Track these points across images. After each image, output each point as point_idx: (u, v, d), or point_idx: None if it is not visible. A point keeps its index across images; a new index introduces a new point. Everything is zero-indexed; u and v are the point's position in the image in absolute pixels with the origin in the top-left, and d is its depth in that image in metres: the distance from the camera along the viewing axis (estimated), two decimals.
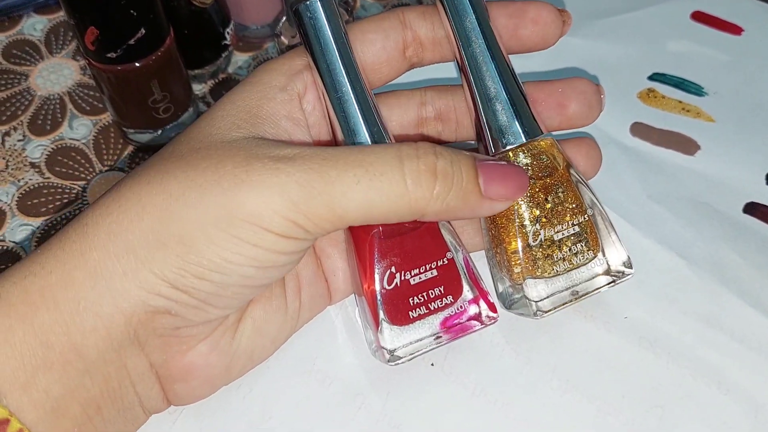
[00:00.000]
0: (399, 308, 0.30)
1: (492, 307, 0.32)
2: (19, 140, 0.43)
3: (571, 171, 0.32)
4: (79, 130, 0.44)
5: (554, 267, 0.32)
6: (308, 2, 0.30)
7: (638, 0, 0.48)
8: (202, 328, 0.28)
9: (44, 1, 0.49)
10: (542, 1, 0.32)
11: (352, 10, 0.48)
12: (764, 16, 0.47)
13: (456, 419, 0.32)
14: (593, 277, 0.32)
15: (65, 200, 0.41)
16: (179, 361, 0.28)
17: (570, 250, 0.32)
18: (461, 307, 0.32)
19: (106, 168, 0.42)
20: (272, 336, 0.31)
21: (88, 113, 0.45)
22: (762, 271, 0.36)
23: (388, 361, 0.31)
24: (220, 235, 0.26)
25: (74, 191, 0.41)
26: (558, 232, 0.31)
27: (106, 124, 0.44)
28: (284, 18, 0.45)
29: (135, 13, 0.36)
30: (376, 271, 0.30)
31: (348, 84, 0.30)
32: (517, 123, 0.31)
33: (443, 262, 0.31)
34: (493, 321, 0.32)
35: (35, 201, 0.41)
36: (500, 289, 0.33)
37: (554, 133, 0.33)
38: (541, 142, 0.32)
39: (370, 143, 0.30)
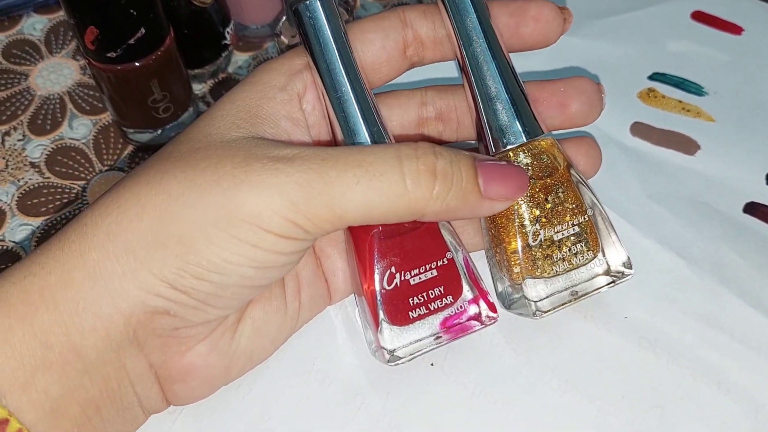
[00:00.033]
0: (399, 308, 0.30)
1: (492, 307, 0.32)
2: (19, 140, 0.43)
3: (572, 171, 0.32)
4: (79, 129, 0.44)
5: (554, 267, 0.32)
6: (308, 2, 0.30)
7: (638, 0, 0.48)
8: (201, 328, 0.28)
9: (44, 0, 0.49)
10: None
11: (352, 9, 0.48)
12: (764, 16, 0.47)
13: (456, 419, 0.32)
14: (593, 278, 0.32)
15: (65, 200, 0.41)
16: (178, 361, 0.28)
17: (570, 250, 0.32)
18: (461, 307, 0.31)
19: (106, 168, 0.42)
20: (272, 336, 0.31)
21: (88, 113, 0.45)
22: (762, 271, 0.36)
23: (388, 362, 0.31)
24: (220, 235, 0.26)
25: (74, 191, 0.41)
26: (558, 232, 0.31)
27: (106, 123, 0.44)
28: (284, 18, 0.45)
29: (135, 13, 0.36)
30: (376, 271, 0.30)
31: (347, 84, 0.30)
32: (517, 123, 0.31)
33: (443, 262, 0.31)
34: (493, 321, 0.32)
35: (35, 201, 0.41)
36: (500, 288, 0.33)
37: (554, 132, 0.33)
38: (542, 142, 0.32)
39: (369, 143, 0.30)
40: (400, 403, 0.32)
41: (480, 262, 0.33)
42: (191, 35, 0.43)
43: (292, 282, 0.31)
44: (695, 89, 0.43)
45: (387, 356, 0.31)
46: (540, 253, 0.31)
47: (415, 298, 0.31)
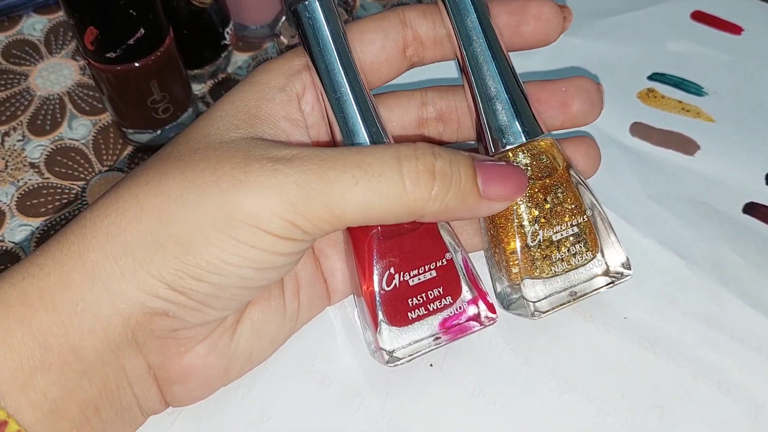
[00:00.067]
0: (398, 309, 0.30)
1: (491, 308, 0.32)
2: (18, 140, 0.43)
3: (571, 172, 0.32)
4: (78, 130, 0.44)
5: (552, 267, 0.32)
6: (306, 2, 0.30)
7: (638, 0, 0.48)
8: (200, 329, 0.28)
9: (44, 1, 0.49)
10: None
11: (352, 9, 0.48)
12: (764, 16, 0.46)
13: (455, 420, 0.32)
14: (592, 278, 0.32)
15: (65, 200, 0.41)
16: (177, 362, 0.28)
17: (569, 250, 0.32)
18: (460, 307, 0.31)
19: (106, 168, 0.42)
20: (271, 337, 0.31)
21: (87, 113, 0.45)
22: (762, 271, 0.36)
23: (387, 362, 0.31)
24: (219, 236, 0.26)
25: (74, 191, 0.41)
26: (557, 232, 0.31)
27: (106, 124, 0.44)
28: (284, 18, 0.45)
29: (134, 13, 0.36)
30: (375, 271, 0.30)
31: (347, 84, 0.30)
32: (517, 123, 0.31)
33: (442, 262, 0.31)
34: (492, 322, 0.32)
35: (34, 201, 0.41)
36: (498, 289, 0.33)
37: (553, 132, 0.33)
38: (541, 143, 0.32)
39: (368, 144, 0.30)
40: (399, 403, 0.32)
41: (479, 262, 0.33)
42: (191, 35, 0.43)
43: (291, 283, 0.31)
44: (695, 89, 0.43)
45: (386, 357, 0.31)
46: (539, 254, 0.31)
47: (414, 298, 0.31)
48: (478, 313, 0.32)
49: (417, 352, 0.31)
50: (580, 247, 0.32)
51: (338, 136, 0.30)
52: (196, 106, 0.44)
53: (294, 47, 0.32)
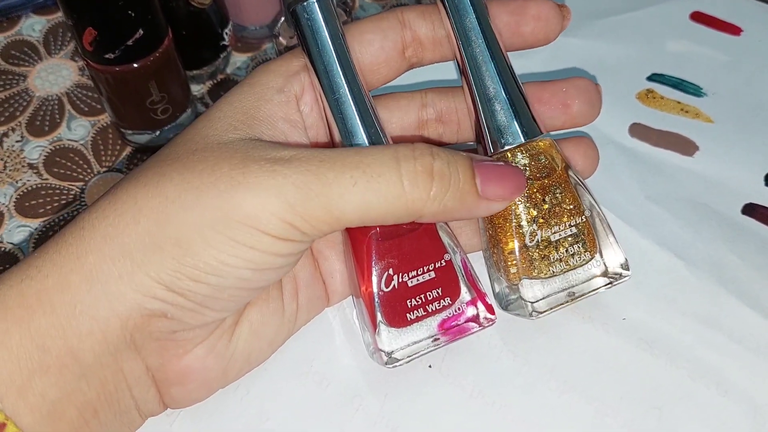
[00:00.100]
0: (396, 310, 0.30)
1: (490, 309, 0.32)
2: (17, 141, 0.43)
3: (570, 172, 0.32)
4: (77, 131, 0.44)
5: (551, 268, 0.32)
6: (305, 3, 0.30)
7: (637, 0, 0.48)
8: (198, 331, 0.28)
9: (43, 1, 0.49)
10: None
11: (351, 10, 0.48)
12: (763, 17, 0.46)
13: (454, 421, 0.32)
14: (590, 279, 0.32)
15: (63, 201, 0.41)
16: (176, 364, 0.28)
17: (567, 251, 0.32)
18: (459, 308, 0.31)
19: (105, 169, 0.42)
20: (269, 339, 0.31)
21: (86, 114, 0.45)
22: (760, 272, 0.36)
23: (386, 364, 0.31)
24: (217, 237, 0.26)
25: (72, 192, 0.41)
26: (555, 233, 0.31)
27: (105, 125, 0.44)
28: (282, 19, 0.45)
29: (133, 14, 0.36)
30: (374, 272, 0.30)
31: (345, 85, 0.30)
32: (515, 123, 0.31)
33: (441, 263, 0.31)
34: (491, 323, 0.32)
35: (33, 202, 0.41)
36: (497, 289, 0.33)
37: (551, 132, 0.33)
38: (540, 143, 0.32)
39: (367, 145, 0.30)
40: (397, 404, 0.32)
41: (478, 263, 0.33)
42: (189, 36, 0.43)
43: (289, 284, 0.31)
44: (694, 90, 0.43)
45: (385, 358, 0.31)
46: (537, 254, 0.31)
47: (413, 299, 0.31)
48: (477, 314, 0.32)
49: (416, 353, 0.31)
50: (579, 247, 0.32)
51: (337, 137, 0.30)
52: (195, 106, 0.44)
53: (293, 48, 0.32)
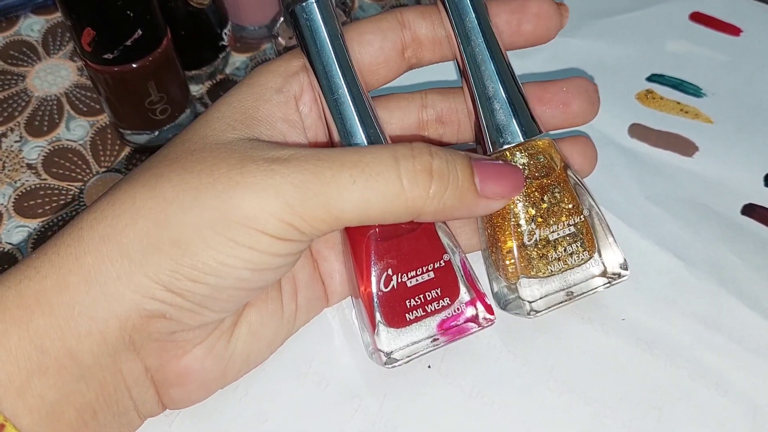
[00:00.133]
0: (396, 310, 0.30)
1: (489, 309, 0.32)
2: (16, 141, 0.43)
3: (569, 172, 0.32)
4: (76, 131, 0.44)
5: (549, 267, 0.32)
6: (304, 3, 0.30)
7: (637, 0, 0.48)
8: (197, 332, 0.28)
9: (42, 1, 0.49)
10: None
11: (350, 11, 0.48)
12: (763, 17, 0.46)
13: (453, 421, 0.32)
14: (589, 278, 0.32)
15: (62, 202, 0.41)
16: (175, 365, 0.28)
17: (565, 250, 0.32)
18: (458, 309, 0.31)
19: (103, 169, 0.42)
20: (268, 339, 0.31)
21: (85, 114, 0.45)
22: (760, 273, 0.36)
23: (385, 364, 0.31)
24: (216, 237, 0.26)
25: (71, 193, 0.41)
26: (553, 232, 0.31)
27: (103, 125, 0.44)
28: (282, 19, 0.45)
29: (132, 14, 0.35)
30: (373, 273, 0.30)
31: (344, 86, 0.30)
32: (514, 122, 0.31)
33: (440, 264, 0.31)
34: (490, 323, 0.32)
35: (32, 202, 0.41)
36: (495, 289, 0.33)
37: (550, 132, 0.33)
38: (539, 142, 0.32)
39: (366, 145, 0.30)
40: (396, 405, 0.32)
41: (477, 263, 0.33)
42: (188, 36, 0.43)
43: (288, 285, 0.31)
44: (693, 90, 0.43)
45: (384, 358, 0.31)
46: (535, 253, 0.31)
47: (412, 300, 0.31)
48: (476, 315, 0.32)
49: (415, 354, 0.31)
50: (577, 246, 0.32)
51: (336, 137, 0.30)
52: (194, 107, 0.44)
53: (292, 48, 0.32)
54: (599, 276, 0.32)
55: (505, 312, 0.33)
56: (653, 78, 0.44)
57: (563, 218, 0.32)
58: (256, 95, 0.30)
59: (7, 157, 0.43)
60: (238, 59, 0.47)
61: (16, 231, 0.40)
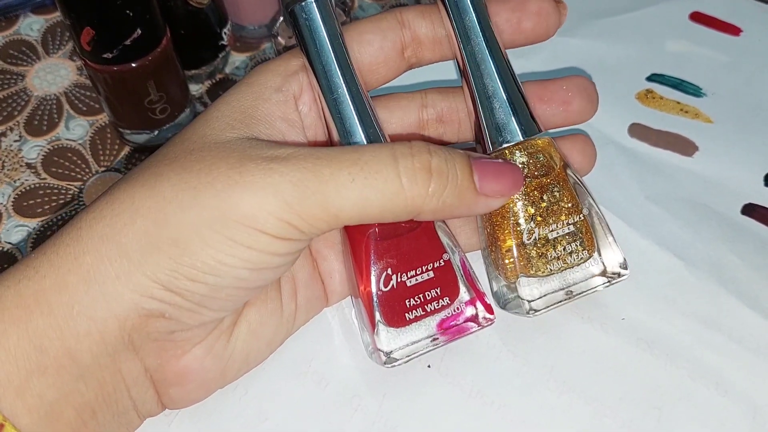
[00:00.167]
0: (395, 310, 0.30)
1: (489, 309, 0.32)
2: (15, 141, 0.43)
3: (568, 171, 0.32)
4: (75, 130, 0.44)
5: (548, 266, 0.32)
6: (303, 3, 0.30)
7: (637, 0, 0.48)
8: (196, 331, 0.28)
9: (41, 1, 0.49)
10: None
11: (350, 10, 0.48)
12: (763, 17, 0.46)
13: (452, 421, 0.32)
14: (588, 278, 0.32)
15: (61, 201, 0.41)
16: (174, 365, 0.28)
17: (564, 249, 0.32)
18: (458, 308, 0.31)
19: (103, 169, 0.42)
20: (268, 339, 0.31)
21: (84, 114, 0.44)
22: (760, 273, 0.36)
23: (385, 363, 0.31)
24: (214, 236, 0.26)
25: (71, 192, 0.41)
26: (552, 231, 0.31)
27: (103, 124, 0.44)
28: (281, 18, 0.45)
29: (131, 14, 0.35)
30: (372, 272, 0.30)
31: (344, 85, 0.30)
32: (514, 121, 0.31)
33: (440, 263, 0.31)
34: (489, 323, 0.32)
35: (31, 202, 0.41)
36: (495, 288, 0.33)
37: (550, 131, 0.33)
38: (538, 141, 0.32)
39: (365, 144, 0.30)
40: (396, 404, 0.32)
41: (477, 263, 0.33)
42: (188, 36, 0.42)
43: (288, 284, 0.31)
44: (693, 90, 0.43)
45: (384, 358, 0.31)
46: (534, 252, 0.31)
47: (412, 299, 0.31)
48: (476, 314, 0.32)
49: (414, 353, 0.31)
50: (577, 246, 0.32)
51: (335, 136, 0.30)
52: (194, 106, 0.44)
53: (291, 48, 0.32)
54: (599, 275, 0.32)
55: (504, 311, 0.33)
56: (653, 78, 0.44)
57: (562, 217, 0.32)
58: (256, 94, 0.30)
59: (6, 156, 0.43)
60: (237, 59, 0.47)
61: (16, 230, 0.40)
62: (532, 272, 0.31)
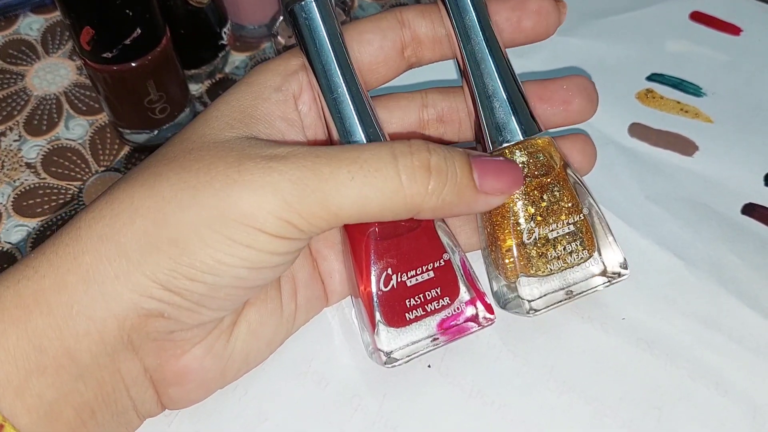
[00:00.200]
0: (395, 310, 0.30)
1: (489, 309, 0.32)
2: (15, 140, 0.43)
3: (568, 171, 0.32)
4: (75, 130, 0.44)
5: (548, 265, 0.32)
6: (303, 3, 0.30)
7: (637, 0, 0.47)
8: (196, 331, 0.28)
9: (41, 0, 0.49)
10: None
11: (350, 10, 0.48)
12: (763, 17, 0.46)
13: (453, 421, 0.32)
14: (588, 277, 0.32)
15: (61, 201, 0.41)
16: (174, 365, 0.28)
17: (564, 249, 0.32)
18: (458, 308, 0.31)
19: (103, 168, 0.42)
20: (268, 339, 0.31)
21: (84, 113, 0.44)
22: (760, 272, 0.36)
23: (385, 363, 0.31)
24: (214, 236, 0.26)
25: (70, 192, 0.41)
26: (553, 230, 0.31)
27: (103, 124, 0.44)
28: (281, 18, 0.45)
29: (131, 13, 0.35)
30: (373, 272, 0.30)
31: (343, 85, 0.30)
32: (514, 120, 0.31)
33: (440, 263, 0.31)
34: (490, 322, 0.32)
35: (31, 202, 0.41)
36: (495, 288, 0.33)
37: (550, 130, 0.33)
38: (538, 141, 0.32)
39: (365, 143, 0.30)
40: (396, 404, 0.32)
41: (477, 263, 0.33)
42: (188, 35, 0.42)
43: (288, 284, 0.31)
44: (693, 90, 0.43)
45: (384, 358, 0.30)
46: (534, 251, 0.31)
47: (412, 299, 0.30)
48: (476, 314, 0.32)
49: (415, 353, 0.31)
50: (577, 245, 0.32)
51: (335, 136, 0.30)
52: (194, 106, 0.44)
53: (291, 47, 0.32)
54: (599, 275, 0.32)
55: (505, 311, 0.33)
56: (653, 77, 0.44)
57: (563, 217, 0.31)
58: (255, 94, 0.30)
59: (6, 156, 0.43)
60: (237, 58, 0.47)
61: (15, 230, 0.40)
62: (532, 272, 0.31)
